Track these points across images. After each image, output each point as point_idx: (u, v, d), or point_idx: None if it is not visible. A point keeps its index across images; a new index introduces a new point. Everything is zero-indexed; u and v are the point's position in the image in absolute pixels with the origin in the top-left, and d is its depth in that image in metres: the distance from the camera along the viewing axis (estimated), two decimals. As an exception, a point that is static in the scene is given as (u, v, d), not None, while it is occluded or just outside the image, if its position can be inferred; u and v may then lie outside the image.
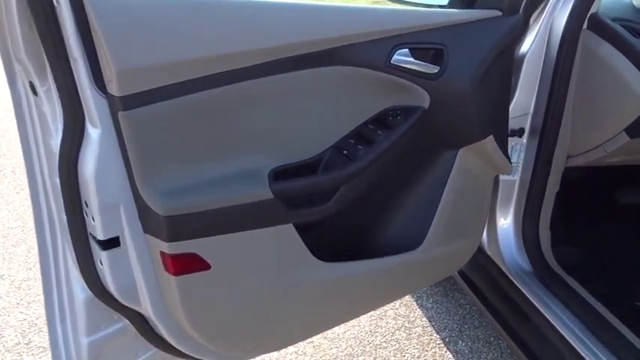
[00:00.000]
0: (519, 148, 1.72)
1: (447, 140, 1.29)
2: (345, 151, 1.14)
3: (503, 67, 1.30)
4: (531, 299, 1.65)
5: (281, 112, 1.03)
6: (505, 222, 1.73)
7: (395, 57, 1.13)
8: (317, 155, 1.12)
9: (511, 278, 1.71)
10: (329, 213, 1.12)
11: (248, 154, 1.01)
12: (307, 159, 1.11)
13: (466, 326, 2.12)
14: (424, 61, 1.17)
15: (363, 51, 1.10)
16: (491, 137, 1.32)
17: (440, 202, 1.34)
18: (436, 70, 1.18)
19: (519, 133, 1.69)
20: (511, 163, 1.44)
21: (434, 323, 2.13)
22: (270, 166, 1.05)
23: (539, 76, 1.60)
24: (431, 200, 1.34)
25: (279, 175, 1.06)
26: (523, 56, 1.62)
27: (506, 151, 1.40)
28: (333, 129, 1.12)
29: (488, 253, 1.74)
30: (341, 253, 1.23)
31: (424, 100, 1.19)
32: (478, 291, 1.79)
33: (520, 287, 1.70)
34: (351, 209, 1.19)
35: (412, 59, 1.15)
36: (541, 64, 1.58)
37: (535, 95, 1.61)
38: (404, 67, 1.14)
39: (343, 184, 1.10)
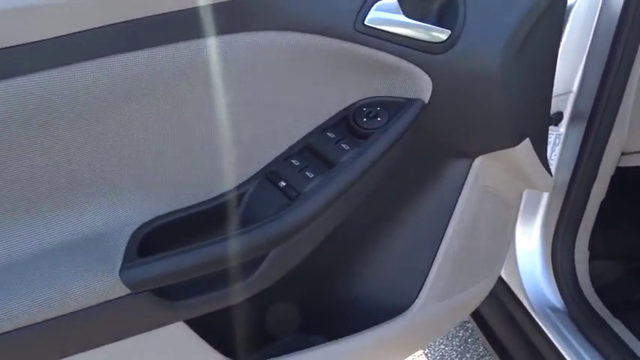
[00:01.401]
0: (554, 141, 1.21)
1: (457, 148, 0.82)
2: (283, 183, 0.62)
3: (551, 29, 0.78)
4: (559, 346, 1.24)
5: (147, 116, 0.50)
6: (529, 241, 1.28)
7: (372, 14, 0.63)
8: (230, 192, 0.60)
9: (534, 317, 1.29)
10: (253, 292, 0.60)
11: (72, 206, 0.48)
12: (210, 200, 0.59)
13: (468, 355, 1.65)
14: (424, 21, 0.68)
15: (313, 4, 0.56)
16: (527, 141, 0.84)
17: (442, 240, 0.88)
18: (445, 37, 0.69)
19: (556, 119, 1.17)
20: (552, 175, 0.93)
21: (429, 352, 1.66)
22: (134, 222, 0.52)
23: (589, 38, 1.07)
24: (429, 240, 0.88)
25: (152, 237, 0.54)
26: (568, 10, 1.08)
27: (546, 159, 0.89)
28: (261, 143, 0.65)
29: (505, 280, 1.31)
30: (281, 338, 0.72)
31: (423, 87, 0.72)
32: (489, 329, 1.36)
33: (546, 329, 1.27)
34: (297, 271, 0.68)
35: (402, 18, 0.65)
36: (594, 23, 1.06)
37: (582, 66, 1.09)
38: (387, 32, 0.65)
39: (280, 244, 0.58)
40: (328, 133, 0.71)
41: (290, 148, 0.69)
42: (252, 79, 0.60)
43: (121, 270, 0.54)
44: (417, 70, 0.68)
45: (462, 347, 1.70)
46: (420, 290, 0.90)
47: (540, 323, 1.27)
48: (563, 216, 1.24)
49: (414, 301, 0.90)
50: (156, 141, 0.56)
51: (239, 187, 0.65)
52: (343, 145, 0.69)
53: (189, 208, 0.61)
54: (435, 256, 0.88)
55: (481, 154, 0.85)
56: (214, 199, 0.63)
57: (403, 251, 0.89)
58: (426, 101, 0.71)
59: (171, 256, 0.55)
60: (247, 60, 0.58)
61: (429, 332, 0.98)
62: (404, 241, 0.88)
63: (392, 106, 0.71)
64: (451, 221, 0.86)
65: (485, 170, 0.86)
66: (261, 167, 0.66)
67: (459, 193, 0.85)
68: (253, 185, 0.66)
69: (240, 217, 0.64)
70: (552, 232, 1.26)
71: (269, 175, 0.67)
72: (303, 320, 0.85)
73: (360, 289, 0.90)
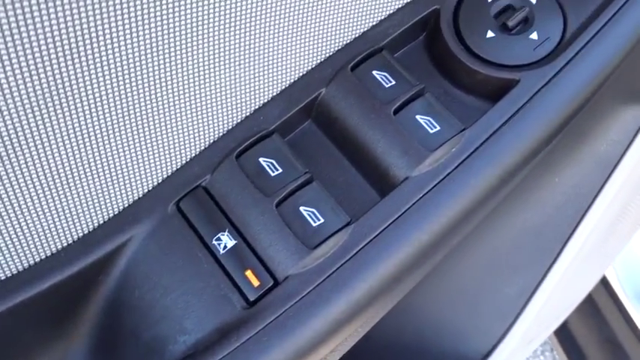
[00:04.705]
0: None
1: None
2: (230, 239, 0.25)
3: None
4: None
5: None
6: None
7: None
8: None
9: (626, 306, 0.97)
10: None
11: None
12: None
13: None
14: None
15: None
16: None
17: (565, 247, 0.53)
18: None
19: None
20: None
21: None
22: None
23: None
24: (543, 249, 0.54)
25: None
26: None
27: None
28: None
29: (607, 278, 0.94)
30: None
31: None
32: (574, 343, 0.99)
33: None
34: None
35: None
36: None
37: None
38: None
39: None
40: (376, 73, 0.26)
41: (270, 103, 0.28)
42: None
43: None
44: None
45: None
46: (508, 329, 0.57)
47: (630, 305, 0.94)
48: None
49: (494, 347, 0.58)
50: None
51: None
52: (421, 120, 0.26)
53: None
54: (547, 273, 0.54)
55: None
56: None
57: (493, 271, 0.54)
58: None
59: None
60: None
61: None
62: (498, 255, 0.52)
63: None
64: (587, 215, 0.52)
65: None
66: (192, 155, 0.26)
67: (613, 169, 0.50)
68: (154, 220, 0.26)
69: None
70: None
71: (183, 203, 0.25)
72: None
73: (417, 331, 0.57)
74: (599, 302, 1.02)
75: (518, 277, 0.57)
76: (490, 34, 0.29)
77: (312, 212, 0.26)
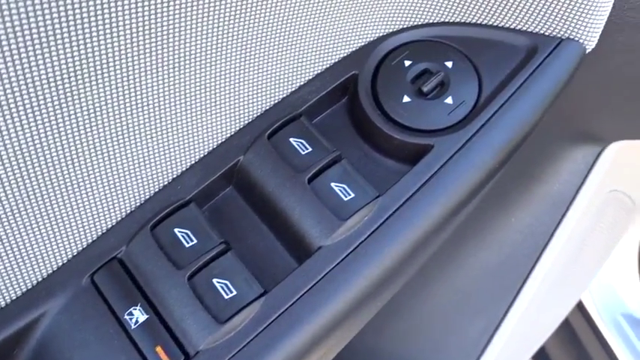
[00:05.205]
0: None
1: (586, 129, 0.46)
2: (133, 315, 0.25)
3: None
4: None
5: None
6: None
7: None
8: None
9: (598, 325, 0.95)
10: None
11: None
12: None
13: None
14: None
15: None
16: None
17: (525, 283, 0.54)
18: None
19: None
20: None
21: None
22: None
23: None
24: (503, 286, 0.55)
25: None
26: None
27: None
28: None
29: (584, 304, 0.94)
30: None
31: (584, 12, 0.28)
32: None
33: (612, 339, 0.94)
34: None
35: None
36: None
37: None
38: None
39: None
40: (293, 140, 0.27)
41: (188, 172, 0.28)
42: None
43: None
44: None
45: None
46: None
47: (607, 331, 0.93)
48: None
49: None
50: None
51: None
52: (335, 187, 0.26)
53: None
54: (507, 312, 0.55)
55: (624, 138, 0.49)
56: None
57: (453, 312, 0.55)
58: (592, 46, 0.30)
59: None
60: None
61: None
62: (458, 295, 0.54)
63: (485, 55, 0.30)
64: (545, 252, 0.53)
65: (619, 165, 0.51)
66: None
67: (568, 206, 0.51)
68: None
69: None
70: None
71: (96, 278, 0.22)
72: None
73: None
74: (577, 328, 1.02)
75: (479, 316, 0.57)
76: (406, 98, 0.29)
77: (225, 284, 0.26)
